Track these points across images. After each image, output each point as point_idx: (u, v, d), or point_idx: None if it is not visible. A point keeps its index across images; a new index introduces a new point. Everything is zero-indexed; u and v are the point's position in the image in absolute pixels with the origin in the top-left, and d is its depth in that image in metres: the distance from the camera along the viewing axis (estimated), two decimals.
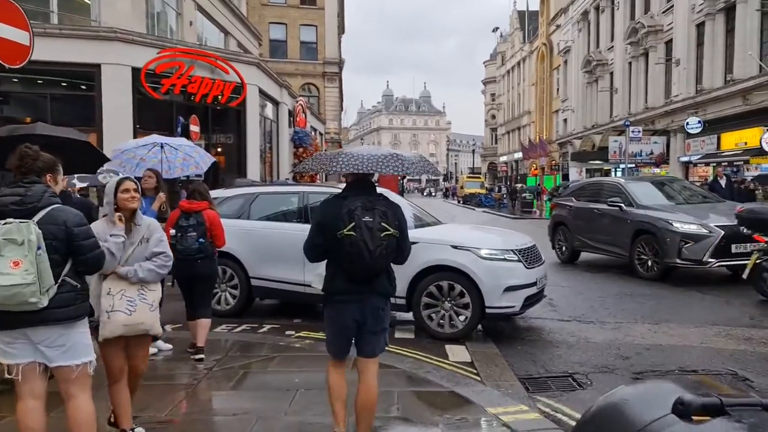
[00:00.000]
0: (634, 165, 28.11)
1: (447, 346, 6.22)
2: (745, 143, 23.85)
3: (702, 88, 27.15)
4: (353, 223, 3.23)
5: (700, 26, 27.60)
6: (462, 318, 6.47)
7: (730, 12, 25.30)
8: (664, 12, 31.23)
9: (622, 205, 10.98)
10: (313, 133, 32.28)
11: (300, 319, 7.39)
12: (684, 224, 9.81)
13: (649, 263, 10.31)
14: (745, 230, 8.74)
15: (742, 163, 22.90)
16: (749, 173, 22.45)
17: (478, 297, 6.37)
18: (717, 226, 9.54)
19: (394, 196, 8.21)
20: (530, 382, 5.18)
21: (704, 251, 9.44)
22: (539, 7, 56.78)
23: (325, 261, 3.54)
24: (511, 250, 6.58)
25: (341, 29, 46.31)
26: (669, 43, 30.42)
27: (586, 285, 10.01)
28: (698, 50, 27.93)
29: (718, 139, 26.02)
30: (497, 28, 74.24)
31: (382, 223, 3.29)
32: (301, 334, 6.70)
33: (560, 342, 6.46)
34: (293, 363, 5.58)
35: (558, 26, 49.68)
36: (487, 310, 6.41)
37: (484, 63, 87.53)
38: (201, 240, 5.70)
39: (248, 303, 7.77)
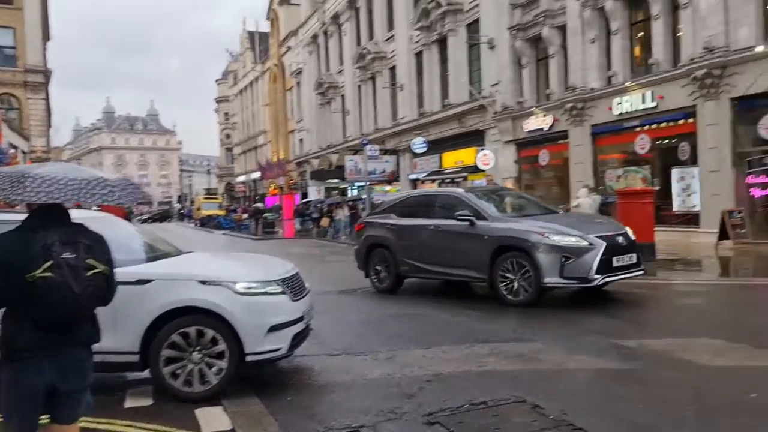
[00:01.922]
0: (369, 183, 29.32)
1: (198, 411, 4.84)
2: (462, 162, 26.51)
3: (424, 112, 29.58)
4: (51, 262, 2.61)
5: (419, 55, 30.15)
6: (215, 370, 5.15)
7: (442, 43, 28.03)
8: (386, 40, 33.48)
9: (473, 218, 9.21)
10: (13, 150, 27.11)
11: None
12: (563, 236, 8.43)
13: (519, 286, 8.58)
14: None
15: (462, 179, 25.34)
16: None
17: (236, 342, 5.15)
18: (597, 237, 8.47)
19: (117, 225, 6.51)
20: None
21: (589, 267, 8.22)
22: (270, 28, 57.08)
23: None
24: (274, 281, 5.48)
25: (46, 35, 40.24)
26: (393, 69, 32.68)
27: (343, 308, 9.35)
28: (419, 77, 30.46)
29: (440, 158, 28.55)
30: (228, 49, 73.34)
31: (88, 260, 2.72)
32: None
33: (335, 384, 5.54)
34: None
35: (289, 48, 50.41)
36: (248, 358, 5.21)
37: (216, 81, 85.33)
38: None
39: None
